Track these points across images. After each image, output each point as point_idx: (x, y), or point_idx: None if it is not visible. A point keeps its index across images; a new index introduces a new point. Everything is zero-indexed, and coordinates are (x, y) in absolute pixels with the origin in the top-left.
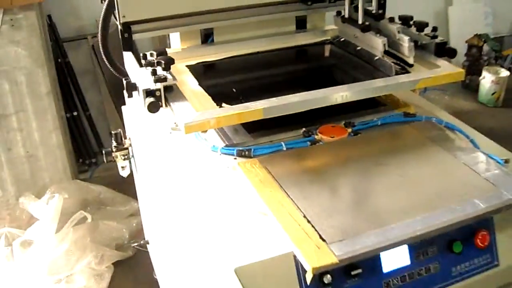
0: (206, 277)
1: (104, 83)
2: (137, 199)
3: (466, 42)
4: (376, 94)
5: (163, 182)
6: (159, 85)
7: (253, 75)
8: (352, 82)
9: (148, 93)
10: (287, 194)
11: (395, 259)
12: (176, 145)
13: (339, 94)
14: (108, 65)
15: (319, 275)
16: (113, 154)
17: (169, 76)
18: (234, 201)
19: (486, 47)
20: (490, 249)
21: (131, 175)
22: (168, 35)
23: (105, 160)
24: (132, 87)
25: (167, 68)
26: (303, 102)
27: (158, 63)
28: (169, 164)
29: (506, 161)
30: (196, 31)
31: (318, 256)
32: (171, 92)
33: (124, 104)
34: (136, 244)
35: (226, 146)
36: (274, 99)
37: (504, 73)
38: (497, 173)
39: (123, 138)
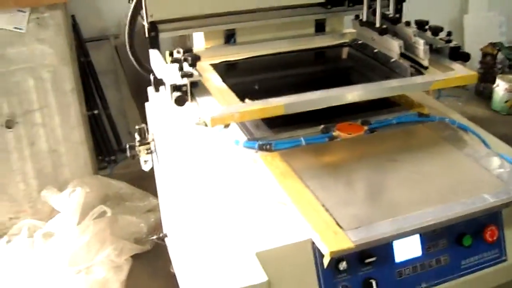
0: (227, 263)
1: (126, 82)
2: (155, 195)
3: (481, 50)
4: (392, 93)
5: (186, 174)
6: (186, 80)
7: (274, 75)
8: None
9: (175, 88)
10: (307, 185)
11: (407, 250)
12: (199, 139)
13: (357, 93)
14: (134, 62)
15: (335, 262)
16: (136, 149)
17: (195, 72)
18: (255, 191)
19: (500, 56)
20: (498, 244)
21: (149, 173)
22: (191, 35)
23: (128, 154)
24: (159, 83)
25: (193, 64)
26: (322, 99)
27: (185, 60)
28: (192, 157)
29: None
30: (220, 31)
31: (335, 241)
32: (196, 88)
33: (145, 101)
34: (154, 237)
35: (248, 140)
36: (294, 95)
37: None
38: (508, 171)
39: (146, 133)
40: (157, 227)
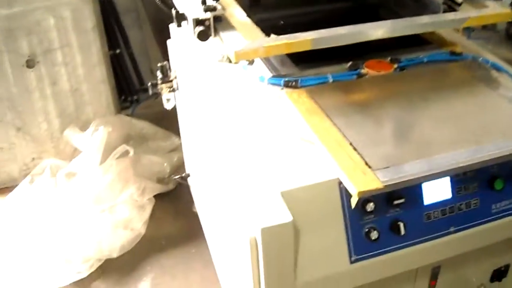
0: (251, 202)
1: (148, 21)
2: (178, 135)
3: None
4: (424, 30)
5: (210, 112)
6: (209, 14)
7: (300, 10)
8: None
9: (198, 22)
10: (334, 123)
11: (436, 192)
12: (222, 77)
13: (386, 29)
14: None
15: (362, 203)
16: (159, 87)
17: (218, 6)
18: (281, 129)
19: None
20: None
21: (172, 113)
22: None
23: (150, 92)
24: (181, 17)
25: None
26: (350, 35)
27: None
28: (215, 95)
29: None
30: None
31: (363, 181)
32: (219, 22)
33: (167, 39)
34: (177, 176)
35: (273, 76)
36: (322, 30)
37: None
38: None
39: (168, 71)
40: (180, 167)
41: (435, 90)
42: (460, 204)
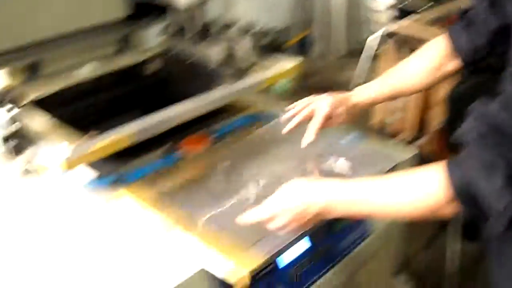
0: None
1: None
2: None
3: None
4: (235, 97)
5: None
6: (19, 125)
7: (93, 101)
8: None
9: (6, 138)
10: (184, 209)
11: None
12: (32, 191)
13: (204, 104)
14: None
15: None
16: None
17: (24, 113)
18: (124, 233)
19: None
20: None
21: None
22: None
23: None
24: None
25: (17, 104)
26: (170, 119)
27: (11, 101)
28: (33, 213)
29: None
30: (22, 66)
31: (246, 261)
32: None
33: None
34: None
35: (99, 177)
36: (139, 121)
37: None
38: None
39: None
40: None
41: (259, 151)
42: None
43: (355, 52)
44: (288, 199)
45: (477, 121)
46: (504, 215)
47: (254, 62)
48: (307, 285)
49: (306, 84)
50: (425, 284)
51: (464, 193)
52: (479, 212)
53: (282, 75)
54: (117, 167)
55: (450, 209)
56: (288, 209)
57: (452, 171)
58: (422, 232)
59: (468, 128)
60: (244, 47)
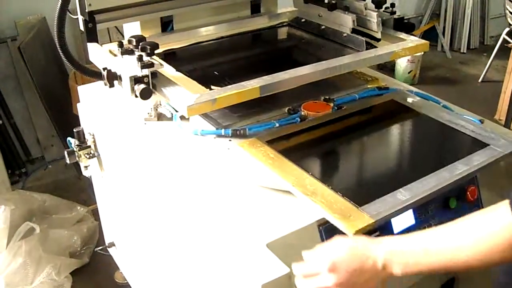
0: (238, 259)
1: (30, 87)
2: (81, 204)
3: None
4: (361, 66)
5: (150, 173)
6: (146, 71)
7: (218, 60)
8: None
9: (136, 80)
10: (300, 166)
11: (402, 221)
12: (156, 136)
13: (336, 65)
14: (66, 60)
15: None
16: (77, 154)
17: (155, 62)
18: (241, 182)
19: None
20: (477, 203)
21: (66, 181)
22: (121, 27)
23: (67, 161)
24: (113, 77)
25: (151, 53)
26: (294, 79)
27: (143, 49)
28: (151, 156)
29: (482, 121)
30: (156, 19)
31: (355, 220)
32: (156, 78)
33: (58, 103)
34: (99, 248)
35: (218, 128)
36: (266, 77)
37: None
38: (478, 132)
39: (85, 136)
40: (91, 237)
41: (377, 123)
42: (424, 227)
43: (487, 47)
44: (342, 253)
45: None
46: None
47: (382, 35)
48: None
49: (428, 75)
50: None
51: None
52: None
53: (408, 50)
54: (238, 121)
55: None
56: (345, 265)
57: None
58: None
59: None
60: (373, 20)
